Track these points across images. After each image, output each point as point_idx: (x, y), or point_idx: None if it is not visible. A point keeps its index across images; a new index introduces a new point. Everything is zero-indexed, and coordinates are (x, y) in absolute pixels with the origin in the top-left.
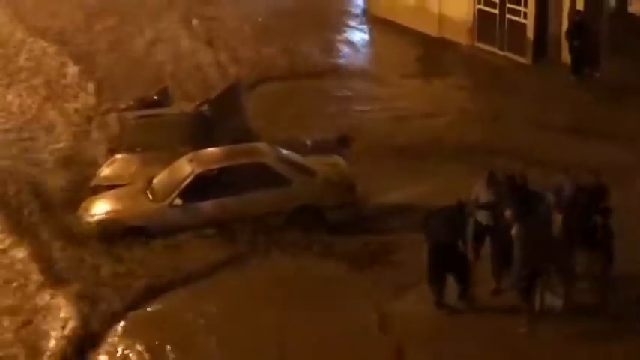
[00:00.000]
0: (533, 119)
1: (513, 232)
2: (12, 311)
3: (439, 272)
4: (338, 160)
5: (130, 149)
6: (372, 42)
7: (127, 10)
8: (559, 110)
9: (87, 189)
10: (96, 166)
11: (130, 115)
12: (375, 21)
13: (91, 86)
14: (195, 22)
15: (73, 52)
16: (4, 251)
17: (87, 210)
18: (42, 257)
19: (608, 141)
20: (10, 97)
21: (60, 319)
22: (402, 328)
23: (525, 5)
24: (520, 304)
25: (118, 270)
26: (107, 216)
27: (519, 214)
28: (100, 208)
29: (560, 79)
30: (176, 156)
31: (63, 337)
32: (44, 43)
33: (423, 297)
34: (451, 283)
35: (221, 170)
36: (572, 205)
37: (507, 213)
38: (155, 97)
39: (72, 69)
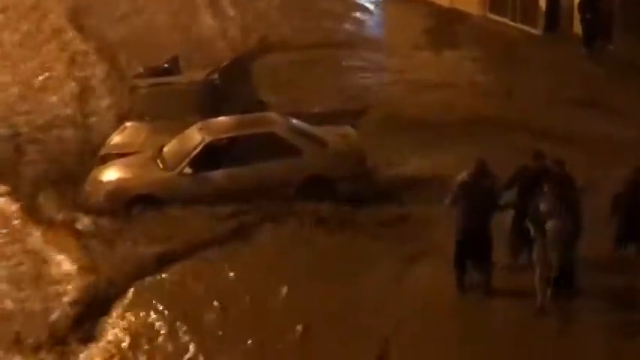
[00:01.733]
0: (543, 92)
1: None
2: (18, 279)
3: (465, 256)
4: (349, 130)
5: (140, 117)
6: (382, 13)
7: None
8: (570, 83)
9: (96, 157)
10: (105, 133)
11: (141, 83)
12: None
13: (100, 54)
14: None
15: (86, 24)
16: (11, 219)
17: (96, 178)
18: (50, 224)
19: (619, 115)
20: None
21: (67, 287)
22: (415, 299)
23: None
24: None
25: (127, 238)
26: (116, 184)
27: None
28: (110, 176)
29: (572, 51)
30: (186, 124)
31: (71, 304)
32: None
33: (436, 268)
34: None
35: (231, 139)
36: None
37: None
38: (165, 66)
39: (82, 41)
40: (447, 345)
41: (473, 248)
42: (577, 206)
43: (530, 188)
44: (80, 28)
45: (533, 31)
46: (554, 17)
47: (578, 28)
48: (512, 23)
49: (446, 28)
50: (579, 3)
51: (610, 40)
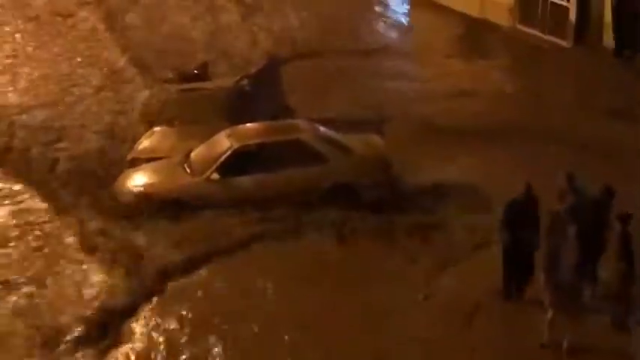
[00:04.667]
0: (573, 102)
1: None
2: (44, 279)
3: (514, 266)
4: (375, 138)
5: (168, 122)
6: (413, 21)
7: None
8: (599, 92)
9: (125, 161)
10: (134, 138)
11: (170, 88)
12: (416, 1)
13: (130, 59)
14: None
15: (115, 27)
16: (38, 220)
17: (124, 182)
18: (77, 227)
19: None
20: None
21: (94, 290)
22: (440, 307)
23: None
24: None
25: (154, 242)
26: (144, 188)
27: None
28: (138, 181)
29: (601, 62)
30: (214, 130)
31: (97, 307)
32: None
33: (462, 276)
34: None
35: (259, 146)
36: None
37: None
38: (195, 72)
39: (112, 47)
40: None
41: (518, 263)
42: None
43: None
44: (111, 33)
45: (562, 43)
46: (583, 30)
47: (607, 40)
48: (541, 35)
49: (475, 38)
50: (613, 9)
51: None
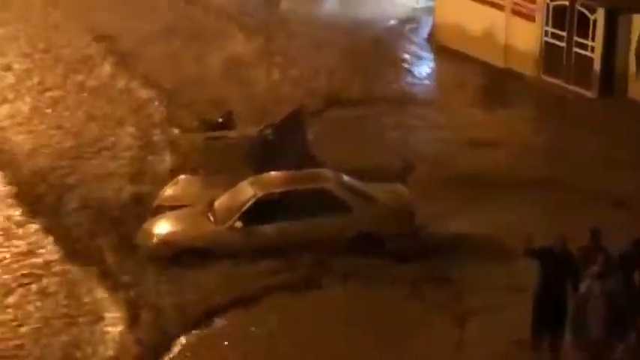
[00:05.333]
0: (597, 153)
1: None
2: (66, 321)
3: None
4: (399, 187)
5: (193, 170)
6: (436, 70)
7: (195, 28)
8: (623, 145)
9: (150, 208)
10: (159, 185)
11: (195, 136)
12: (440, 49)
13: (156, 105)
14: (261, 45)
15: (138, 69)
16: (62, 265)
17: (149, 229)
18: (102, 274)
19: None
20: (69, 114)
21: (116, 338)
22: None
23: (593, 39)
24: None
25: (177, 290)
26: (168, 236)
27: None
28: (162, 228)
29: (626, 113)
30: (238, 179)
31: (118, 355)
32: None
33: (487, 327)
34: None
35: (282, 194)
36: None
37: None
38: (220, 120)
39: (137, 89)
40: None
41: (549, 315)
42: None
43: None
44: (134, 77)
45: (587, 93)
46: (608, 81)
47: (632, 92)
48: (566, 85)
49: (499, 88)
50: (636, 48)
51: None
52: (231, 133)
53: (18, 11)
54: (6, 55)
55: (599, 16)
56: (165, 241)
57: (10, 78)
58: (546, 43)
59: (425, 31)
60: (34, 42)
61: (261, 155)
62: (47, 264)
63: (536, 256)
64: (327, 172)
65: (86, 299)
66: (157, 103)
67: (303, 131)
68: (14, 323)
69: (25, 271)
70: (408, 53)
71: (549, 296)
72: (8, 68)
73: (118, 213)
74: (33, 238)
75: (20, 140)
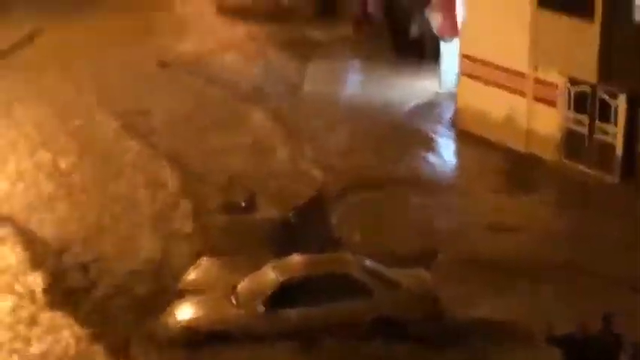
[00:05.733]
0: (619, 240)
1: None
2: None
3: None
4: (422, 273)
5: (216, 253)
6: (458, 154)
7: (215, 108)
8: None
9: (173, 292)
10: (183, 268)
11: (217, 219)
12: (462, 134)
13: (178, 184)
14: (287, 130)
15: (160, 148)
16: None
17: (172, 314)
18: (124, 357)
19: None
20: (92, 191)
21: None
22: None
23: (615, 124)
24: None
25: None
26: (191, 322)
27: None
28: (184, 313)
29: None
30: (261, 262)
31: None
32: (133, 142)
33: None
34: None
35: (305, 279)
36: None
37: None
38: (242, 203)
39: (158, 170)
40: None
41: None
42: None
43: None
44: (157, 156)
45: (609, 178)
46: (630, 166)
47: None
48: (587, 170)
49: (521, 173)
50: None
51: None
52: (254, 216)
53: (43, 89)
54: (31, 135)
55: (621, 102)
56: (188, 327)
57: (38, 157)
58: (568, 128)
59: (447, 116)
60: (59, 119)
61: (283, 238)
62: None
63: (558, 343)
64: (348, 256)
65: None
66: (178, 181)
67: (325, 214)
68: None
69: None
70: (430, 137)
71: None
72: (34, 150)
73: (140, 296)
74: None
75: (41, 221)
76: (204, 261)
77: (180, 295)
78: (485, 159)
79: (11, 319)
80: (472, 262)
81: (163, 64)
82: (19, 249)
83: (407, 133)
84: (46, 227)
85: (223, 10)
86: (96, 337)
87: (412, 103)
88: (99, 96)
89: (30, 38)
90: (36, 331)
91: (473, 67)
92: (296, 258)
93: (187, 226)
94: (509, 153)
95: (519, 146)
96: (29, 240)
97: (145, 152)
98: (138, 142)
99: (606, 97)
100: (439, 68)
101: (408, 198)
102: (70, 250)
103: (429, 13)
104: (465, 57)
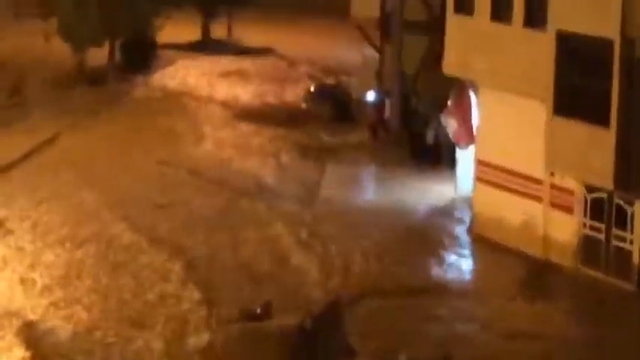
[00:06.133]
0: (635, 347)
1: None
2: None
3: None
4: None
5: None
6: (475, 260)
7: (230, 212)
8: None
9: None
10: None
11: (233, 327)
12: (479, 239)
13: (195, 292)
14: (304, 235)
15: (178, 257)
16: None
17: None
18: None
19: None
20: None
21: None
22: None
23: (631, 232)
24: None
25: None
26: None
27: None
28: None
29: None
30: None
31: None
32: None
33: None
34: None
35: None
36: None
37: None
38: (258, 311)
39: (176, 271)
40: None
41: None
42: None
43: None
44: (174, 264)
45: (626, 286)
46: None
47: None
48: (604, 277)
49: (538, 279)
50: None
51: None
52: (269, 324)
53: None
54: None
55: (637, 208)
56: None
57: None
58: (585, 235)
59: (463, 221)
60: (70, 229)
61: (299, 345)
62: None
63: None
64: None
65: None
66: (195, 291)
67: (341, 321)
68: None
69: None
70: (446, 243)
71: None
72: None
73: None
74: None
75: (45, 332)
76: None
77: None
78: (501, 265)
79: None
80: None
81: (178, 166)
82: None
83: (423, 238)
84: (51, 337)
85: (240, 115)
86: None
87: (428, 209)
88: (111, 198)
89: (48, 143)
90: None
91: (488, 172)
92: None
93: (204, 333)
94: (525, 259)
95: (536, 252)
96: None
97: (157, 260)
98: (152, 247)
99: (623, 203)
100: (455, 174)
101: (423, 304)
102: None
103: (445, 119)
104: (480, 163)
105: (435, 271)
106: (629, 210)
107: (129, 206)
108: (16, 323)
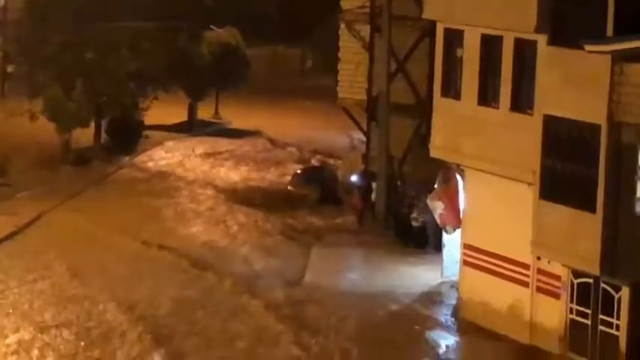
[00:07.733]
0: None
1: None
2: None
3: None
4: None
5: None
6: (460, 347)
7: (213, 301)
8: None
9: None
10: None
11: None
12: (465, 324)
13: None
14: (287, 319)
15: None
16: None
17: None
18: None
19: None
20: None
21: None
22: None
23: (617, 317)
24: None
25: None
26: None
27: None
28: None
29: None
30: None
31: None
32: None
33: None
34: None
35: None
36: None
37: None
38: None
39: None
40: None
41: None
42: None
43: None
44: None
45: None
46: (635, 358)
47: None
48: None
49: None
50: None
51: None
52: None
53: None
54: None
55: (624, 294)
56: None
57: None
58: (571, 320)
59: (449, 306)
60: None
61: None
62: None
63: None
64: None
65: None
66: None
67: None
68: None
69: None
70: (431, 329)
71: None
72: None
73: None
74: None
75: None
76: None
77: None
78: (487, 351)
79: None
80: None
81: (162, 248)
82: None
83: (408, 323)
84: None
85: (226, 197)
86: None
87: (414, 293)
88: (99, 284)
89: (31, 224)
90: None
91: (475, 256)
92: None
93: None
94: (512, 344)
95: (523, 338)
96: None
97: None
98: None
99: (609, 288)
100: (441, 257)
101: None
102: None
103: (432, 202)
104: (466, 246)
105: (422, 357)
106: (615, 295)
107: (113, 287)
108: None
